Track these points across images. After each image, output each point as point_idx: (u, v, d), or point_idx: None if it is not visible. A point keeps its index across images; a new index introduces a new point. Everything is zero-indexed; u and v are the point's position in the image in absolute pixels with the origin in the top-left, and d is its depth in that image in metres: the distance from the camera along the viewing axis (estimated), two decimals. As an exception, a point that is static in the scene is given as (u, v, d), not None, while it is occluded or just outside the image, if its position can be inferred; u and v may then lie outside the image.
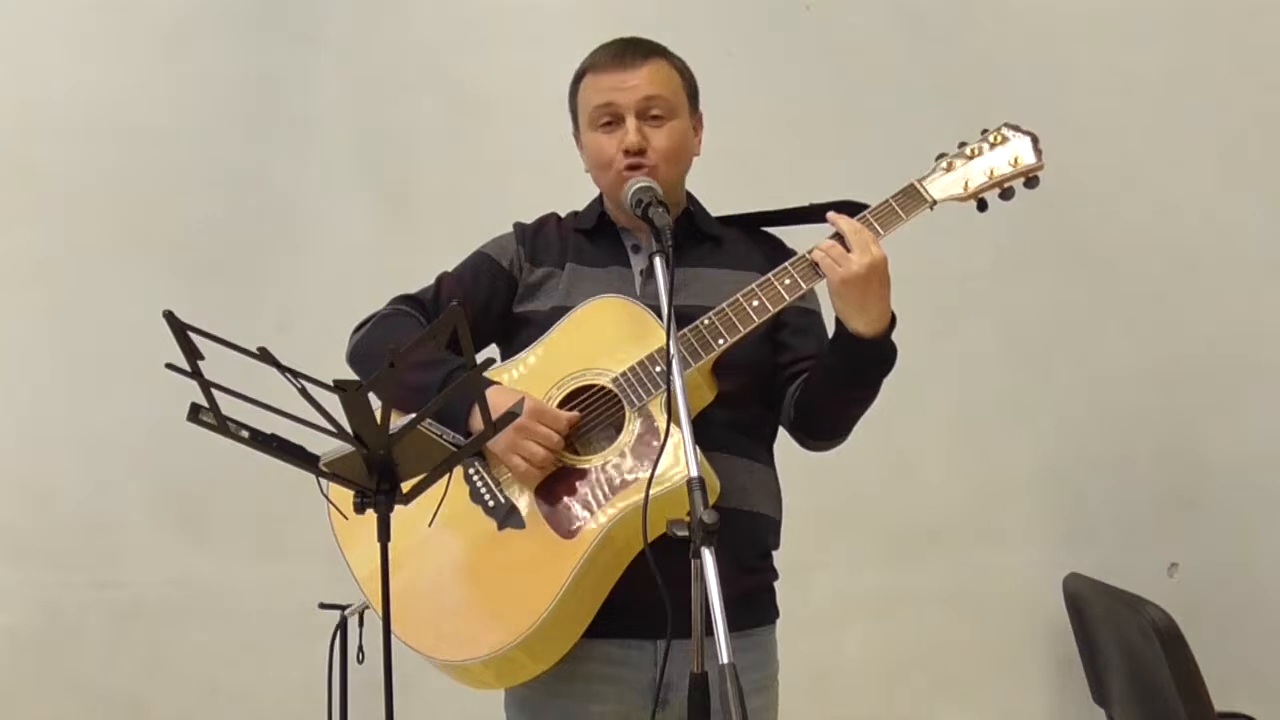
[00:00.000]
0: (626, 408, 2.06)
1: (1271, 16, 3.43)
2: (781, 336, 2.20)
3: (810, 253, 2.06)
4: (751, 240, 2.27)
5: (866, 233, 2.03)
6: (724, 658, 1.59)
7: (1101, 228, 3.41)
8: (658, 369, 2.04)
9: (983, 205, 2.14)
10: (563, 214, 2.32)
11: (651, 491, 1.85)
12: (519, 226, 2.30)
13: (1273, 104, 3.41)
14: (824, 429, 2.18)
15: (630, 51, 2.18)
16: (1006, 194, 2.13)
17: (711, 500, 1.94)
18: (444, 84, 3.49)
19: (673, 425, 1.86)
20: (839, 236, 2.04)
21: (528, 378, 2.11)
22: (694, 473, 1.74)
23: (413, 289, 2.28)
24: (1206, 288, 3.41)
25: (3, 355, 3.44)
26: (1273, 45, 3.43)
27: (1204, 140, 3.40)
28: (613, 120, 2.16)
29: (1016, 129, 2.14)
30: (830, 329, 2.14)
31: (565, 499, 2.04)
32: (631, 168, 2.13)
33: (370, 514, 1.84)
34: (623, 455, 2.04)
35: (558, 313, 2.16)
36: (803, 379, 2.15)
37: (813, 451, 2.22)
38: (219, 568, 3.40)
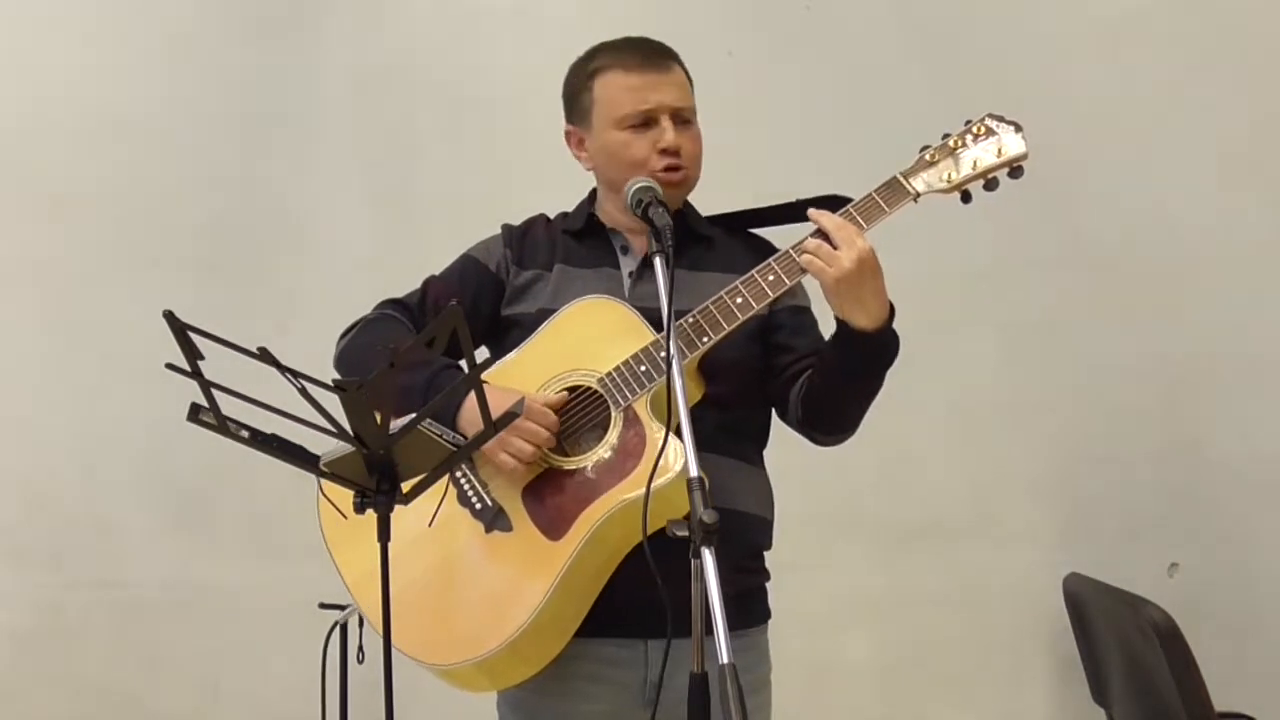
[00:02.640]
0: (612, 408, 2.05)
1: (1272, 17, 3.43)
2: (779, 338, 2.19)
3: (796, 253, 2.04)
4: (741, 243, 2.25)
5: (850, 227, 2.01)
6: (724, 657, 1.58)
7: (1101, 227, 3.41)
8: (643, 368, 2.03)
9: (966, 197, 2.09)
10: (553, 215, 2.31)
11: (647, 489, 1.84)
12: (506, 229, 2.28)
13: (1273, 104, 3.41)
14: (834, 424, 2.17)
15: (658, 53, 2.18)
16: (991, 184, 2.08)
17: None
18: (444, 84, 3.49)
19: (669, 424, 1.86)
20: (822, 234, 2.01)
21: (515, 379, 2.10)
22: (694, 472, 1.73)
23: (414, 289, 2.28)
24: (1206, 287, 3.40)
25: (3, 355, 3.44)
26: (1273, 46, 3.43)
27: (1203, 140, 3.40)
28: (648, 122, 2.14)
29: (1000, 119, 2.09)
30: (821, 324, 2.13)
31: (553, 500, 2.04)
32: (670, 168, 2.13)
33: (360, 517, 1.84)
34: (609, 455, 2.03)
35: (545, 315, 2.15)
36: (806, 377, 2.14)
37: (822, 447, 2.21)
38: (219, 568, 3.41)
